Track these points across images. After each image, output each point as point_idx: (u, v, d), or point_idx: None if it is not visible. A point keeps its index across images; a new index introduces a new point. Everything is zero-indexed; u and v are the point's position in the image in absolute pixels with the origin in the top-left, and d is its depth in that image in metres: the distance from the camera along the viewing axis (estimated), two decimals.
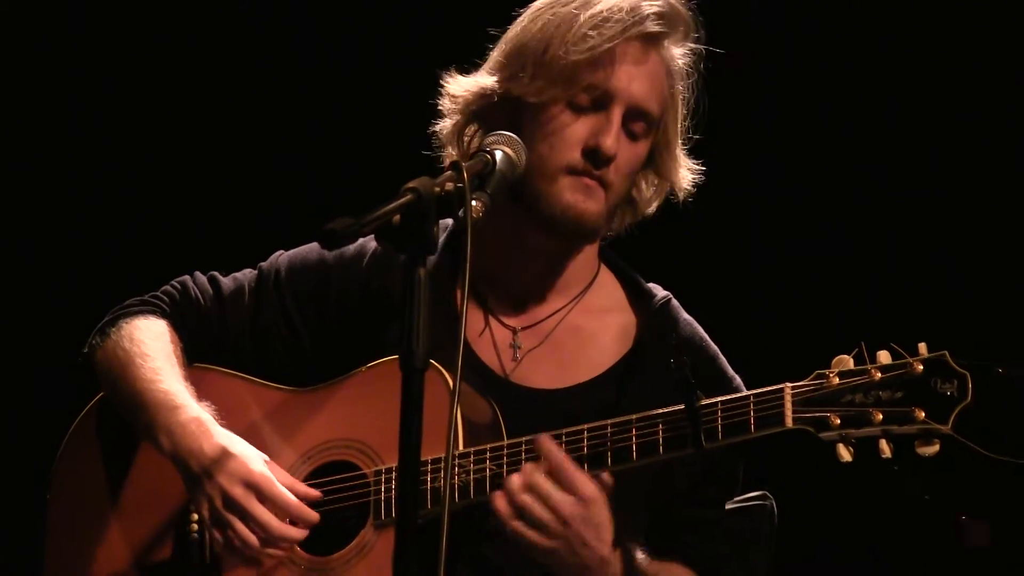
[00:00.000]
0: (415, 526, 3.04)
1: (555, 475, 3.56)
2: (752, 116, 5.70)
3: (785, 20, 5.65)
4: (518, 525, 3.57)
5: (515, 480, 3.57)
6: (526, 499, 3.56)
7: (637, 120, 3.85)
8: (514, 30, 3.91)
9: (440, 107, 3.97)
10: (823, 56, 5.65)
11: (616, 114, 3.82)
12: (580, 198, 3.82)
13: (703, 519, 3.86)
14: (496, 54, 3.93)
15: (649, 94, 3.85)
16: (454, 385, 3.20)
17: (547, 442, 3.59)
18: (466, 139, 3.95)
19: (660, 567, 3.75)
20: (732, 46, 4.00)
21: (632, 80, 3.83)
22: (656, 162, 3.96)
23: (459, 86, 3.94)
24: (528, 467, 3.58)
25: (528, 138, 3.74)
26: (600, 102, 3.83)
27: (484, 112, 3.92)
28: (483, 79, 3.91)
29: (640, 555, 3.70)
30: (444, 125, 3.97)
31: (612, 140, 3.80)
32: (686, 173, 3.97)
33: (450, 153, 3.96)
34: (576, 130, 3.82)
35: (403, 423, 3.04)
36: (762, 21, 5.63)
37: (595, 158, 3.81)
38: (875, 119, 5.65)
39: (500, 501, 3.59)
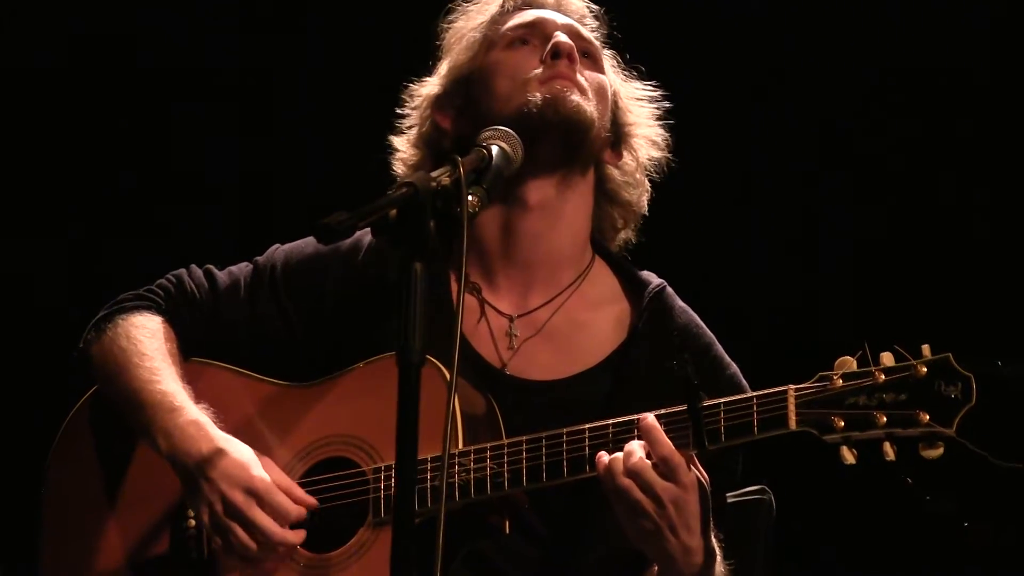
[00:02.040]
0: (412, 524, 3.02)
1: (656, 457, 3.52)
2: (756, 115, 5.69)
3: (785, 18, 5.64)
4: (616, 504, 3.54)
5: (617, 461, 3.53)
6: (626, 482, 3.52)
7: (582, 42, 3.99)
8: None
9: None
10: (824, 51, 5.64)
11: (559, 32, 3.95)
12: (557, 88, 3.89)
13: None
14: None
15: (580, 29, 4.02)
16: (451, 381, 3.18)
17: (650, 423, 3.55)
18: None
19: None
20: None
21: (556, 16, 4.02)
22: (616, 119, 4.03)
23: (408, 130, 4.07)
24: (630, 447, 3.53)
25: (487, 92, 3.91)
26: (538, 32, 3.97)
27: (440, 130, 4.00)
28: (424, 96, 4.06)
29: (719, 556, 3.66)
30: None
31: (563, 37, 3.94)
32: (644, 111, 4.06)
33: None
34: (526, 54, 3.96)
35: (400, 419, 3.02)
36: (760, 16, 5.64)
37: (554, 54, 3.92)
38: (880, 117, 5.63)
39: (604, 473, 3.54)
